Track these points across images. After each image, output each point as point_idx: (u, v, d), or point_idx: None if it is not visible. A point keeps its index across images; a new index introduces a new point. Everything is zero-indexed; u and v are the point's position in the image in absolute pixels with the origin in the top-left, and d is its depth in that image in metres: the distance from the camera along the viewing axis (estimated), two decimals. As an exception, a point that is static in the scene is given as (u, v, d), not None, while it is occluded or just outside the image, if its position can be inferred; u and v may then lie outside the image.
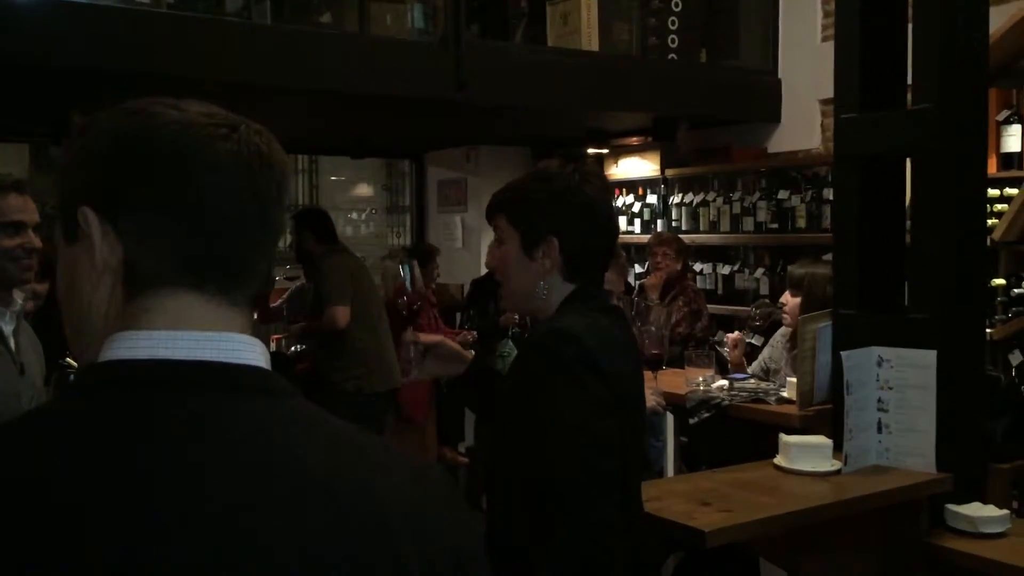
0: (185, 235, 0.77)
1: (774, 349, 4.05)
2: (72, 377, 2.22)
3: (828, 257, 3.93)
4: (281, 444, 0.74)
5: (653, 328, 3.35)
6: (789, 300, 3.85)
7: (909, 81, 2.90)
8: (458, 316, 6.13)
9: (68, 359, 2.22)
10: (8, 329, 2.00)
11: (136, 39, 3.70)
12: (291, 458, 0.74)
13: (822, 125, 5.36)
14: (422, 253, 5.92)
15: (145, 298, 0.78)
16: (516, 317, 5.69)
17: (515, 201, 1.80)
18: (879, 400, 2.76)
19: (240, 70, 3.93)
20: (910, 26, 2.88)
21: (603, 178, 1.83)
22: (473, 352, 2.21)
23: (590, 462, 1.57)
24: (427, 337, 2.11)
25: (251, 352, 0.79)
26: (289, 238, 5.33)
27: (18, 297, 2.06)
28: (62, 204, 0.81)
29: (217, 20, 4.17)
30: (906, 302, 2.91)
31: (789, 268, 4.06)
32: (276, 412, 0.77)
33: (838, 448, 2.69)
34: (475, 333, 5.68)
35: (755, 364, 4.16)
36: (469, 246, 7.24)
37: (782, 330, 4.03)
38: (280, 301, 5.86)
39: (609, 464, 1.59)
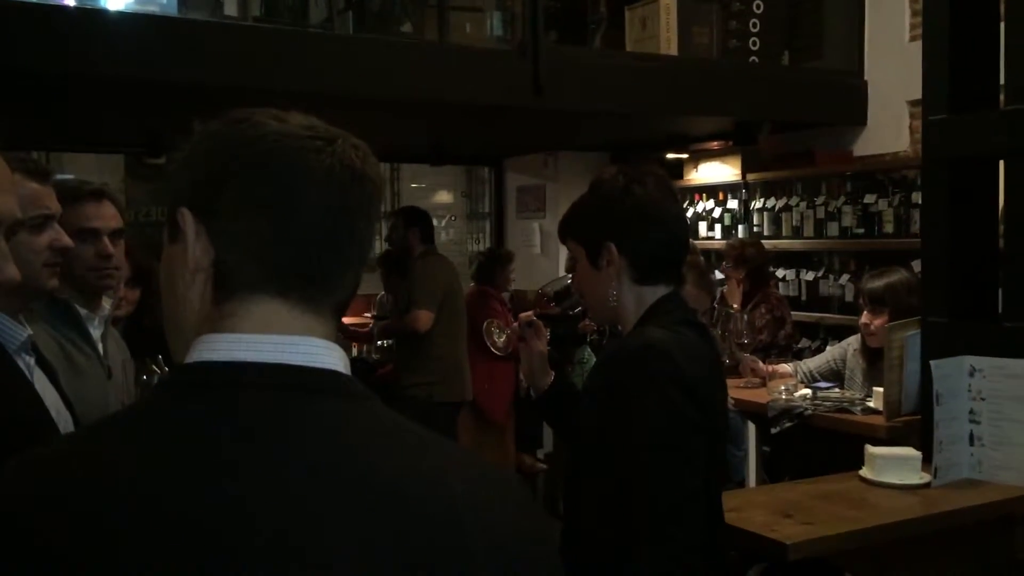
0: (273, 242, 0.80)
1: (842, 359, 3.92)
2: (156, 379, 2.29)
3: (916, 263, 3.81)
4: (352, 445, 0.76)
5: (735, 341, 3.31)
6: (871, 319, 3.62)
7: (1002, 81, 2.80)
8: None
9: (154, 363, 2.28)
10: (97, 334, 2.06)
11: (223, 51, 3.80)
12: (361, 459, 0.75)
13: (910, 127, 5.21)
14: (497, 258, 5.93)
15: (232, 303, 0.81)
16: (594, 324, 5.68)
17: (572, 217, 1.85)
18: (971, 411, 2.67)
19: (323, 80, 4.00)
20: (1002, 24, 2.78)
21: (658, 176, 1.81)
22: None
23: (679, 481, 1.57)
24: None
25: (329, 356, 0.81)
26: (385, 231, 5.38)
27: (106, 303, 2.12)
28: (168, 205, 0.85)
29: (301, 32, 4.26)
30: (1000, 310, 2.81)
31: (864, 283, 3.79)
32: (349, 414, 0.79)
33: (927, 461, 2.61)
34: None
35: (801, 368, 4.03)
36: (547, 252, 7.24)
37: (853, 338, 3.90)
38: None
39: (696, 483, 1.58)
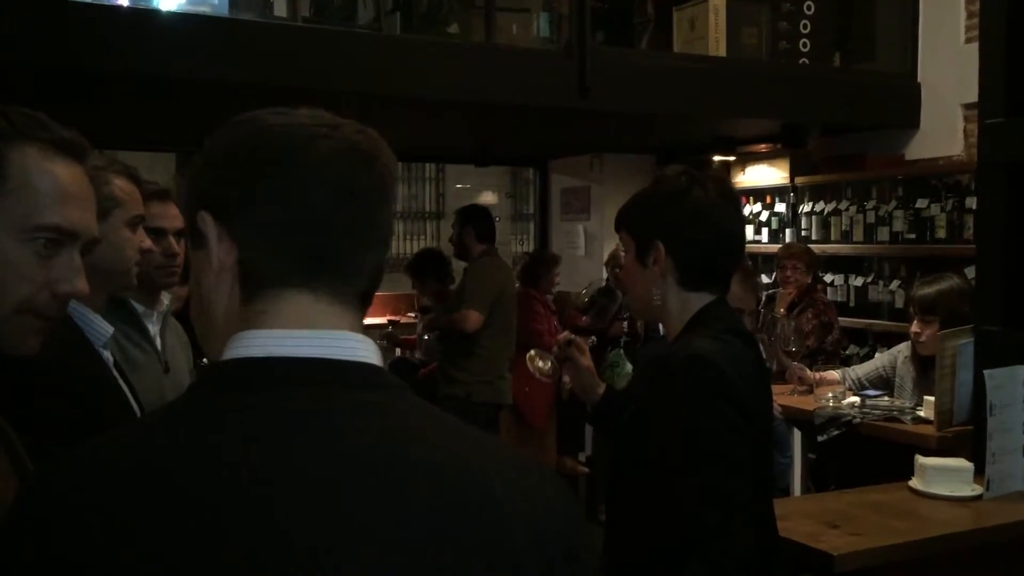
0: (290, 233, 0.81)
1: (891, 366, 3.84)
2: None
3: (969, 270, 3.71)
4: (387, 435, 0.76)
5: (781, 347, 3.26)
6: (922, 328, 3.52)
7: (1063, 84, 2.72)
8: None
9: (205, 359, 2.31)
10: (155, 329, 2.11)
11: (273, 51, 3.83)
12: (397, 448, 0.75)
13: (964, 131, 5.10)
14: (542, 261, 5.91)
15: (261, 300, 0.82)
16: (625, 326, 5.64)
17: (628, 209, 1.82)
18: (1025, 423, 2.60)
19: (370, 81, 4.02)
20: (1065, 25, 2.71)
21: (723, 184, 1.79)
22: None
23: (728, 493, 1.55)
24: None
25: (362, 349, 0.81)
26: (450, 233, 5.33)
27: (164, 299, 2.17)
28: (188, 212, 0.86)
29: (349, 32, 4.28)
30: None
31: (914, 290, 3.68)
32: (384, 405, 0.79)
33: (979, 472, 2.55)
34: (594, 338, 5.65)
35: (849, 375, 3.95)
36: (591, 254, 7.21)
37: (904, 345, 3.82)
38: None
39: (745, 494, 1.56)
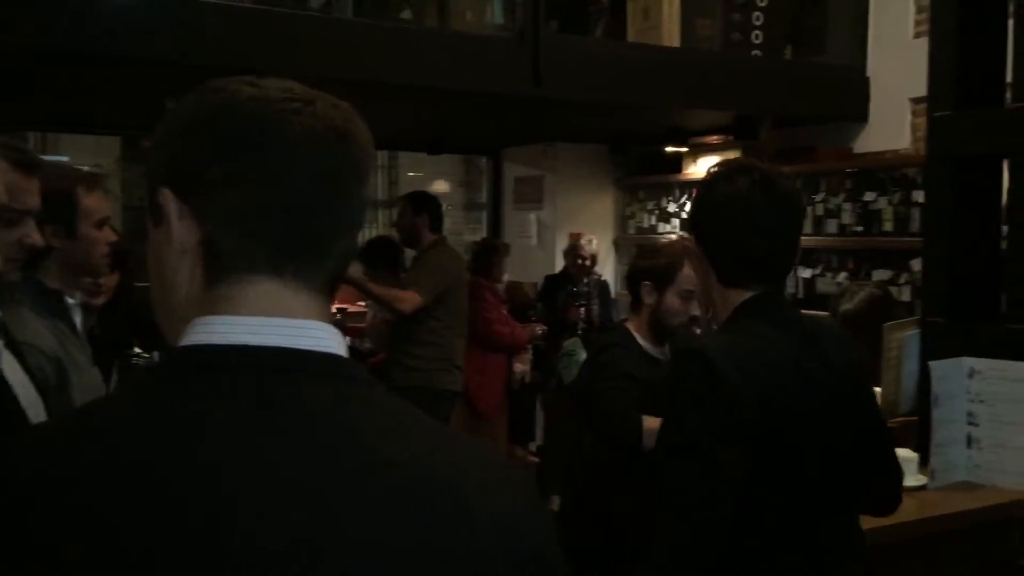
0: (258, 212, 0.76)
1: None
2: (135, 363, 2.27)
3: (915, 262, 3.76)
4: (352, 428, 0.73)
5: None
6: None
7: (1008, 79, 2.76)
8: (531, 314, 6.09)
9: (135, 348, 2.25)
10: (79, 322, 2.04)
11: (223, 33, 3.76)
12: (362, 442, 0.73)
13: (912, 124, 5.17)
14: (493, 249, 5.84)
15: (226, 285, 0.77)
16: (582, 313, 5.64)
17: None
18: (969, 414, 2.63)
19: (320, 64, 3.96)
20: (1010, 21, 2.75)
21: (761, 177, 1.66)
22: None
23: (692, 486, 1.52)
24: None
25: (329, 339, 0.78)
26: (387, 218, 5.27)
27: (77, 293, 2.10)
28: (148, 187, 0.81)
29: (301, 15, 4.21)
30: (1001, 311, 2.78)
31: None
32: (349, 397, 0.76)
33: (924, 463, 2.58)
34: (544, 327, 5.63)
35: None
36: (544, 244, 7.20)
37: None
38: None
39: (718, 490, 1.51)
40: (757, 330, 1.63)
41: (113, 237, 1.85)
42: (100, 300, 2.51)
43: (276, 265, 0.77)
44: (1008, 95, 2.78)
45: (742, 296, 1.68)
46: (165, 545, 0.67)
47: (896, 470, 1.85)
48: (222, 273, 0.77)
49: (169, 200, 0.78)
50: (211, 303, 0.77)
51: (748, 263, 1.67)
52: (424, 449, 0.75)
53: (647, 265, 2.96)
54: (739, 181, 1.66)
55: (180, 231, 0.78)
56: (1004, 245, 2.85)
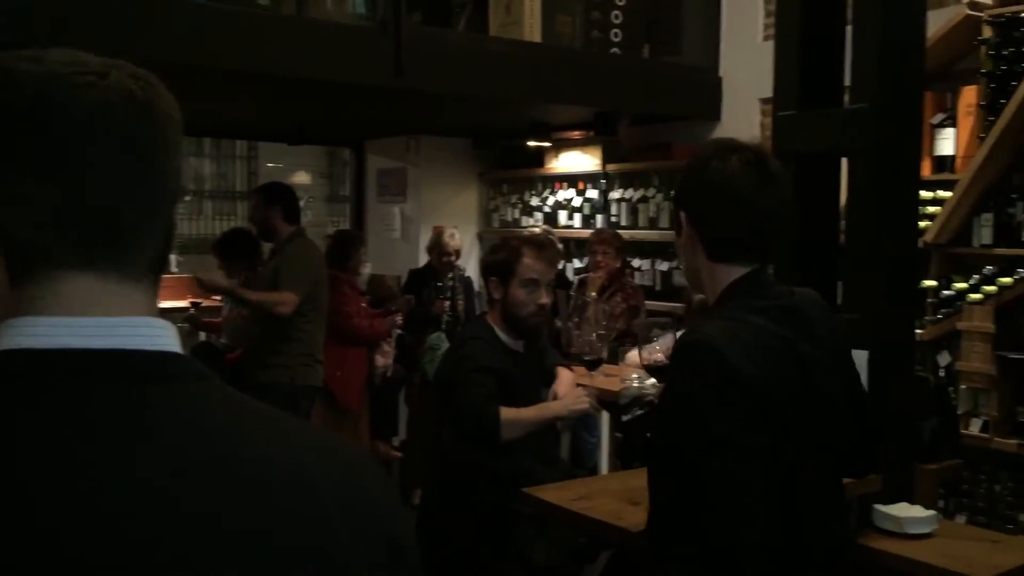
0: (63, 204, 0.70)
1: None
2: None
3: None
4: (200, 433, 0.70)
5: (592, 330, 3.32)
6: None
7: (847, 82, 2.90)
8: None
9: None
10: None
11: (62, 11, 3.55)
12: (212, 442, 0.69)
13: (762, 124, 5.38)
14: (349, 240, 5.72)
15: (31, 285, 0.71)
16: (447, 305, 5.64)
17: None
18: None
19: (170, 49, 3.80)
20: (849, 27, 2.89)
21: (754, 159, 1.72)
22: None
23: (732, 478, 1.53)
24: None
25: (163, 336, 0.73)
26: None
27: None
28: None
29: (149, -3, 4.02)
30: (838, 302, 2.92)
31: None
32: (193, 398, 0.72)
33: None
34: (400, 316, 5.57)
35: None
36: (408, 237, 7.15)
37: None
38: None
39: (754, 480, 1.54)
40: (751, 314, 1.67)
41: None
42: None
43: (89, 259, 0.72)
44: (846, 97, 2.92)
45: (730, 271, 1.73)
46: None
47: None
48: (25, 273, 0.71)
49: None
50: (20, 305, 0.71)
51: (739, 240, 1.73)
52: (271, 442, 0.72)
53: (490, 261, 3.09)
54: (732, 160, 1.71)
55: None
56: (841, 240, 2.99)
